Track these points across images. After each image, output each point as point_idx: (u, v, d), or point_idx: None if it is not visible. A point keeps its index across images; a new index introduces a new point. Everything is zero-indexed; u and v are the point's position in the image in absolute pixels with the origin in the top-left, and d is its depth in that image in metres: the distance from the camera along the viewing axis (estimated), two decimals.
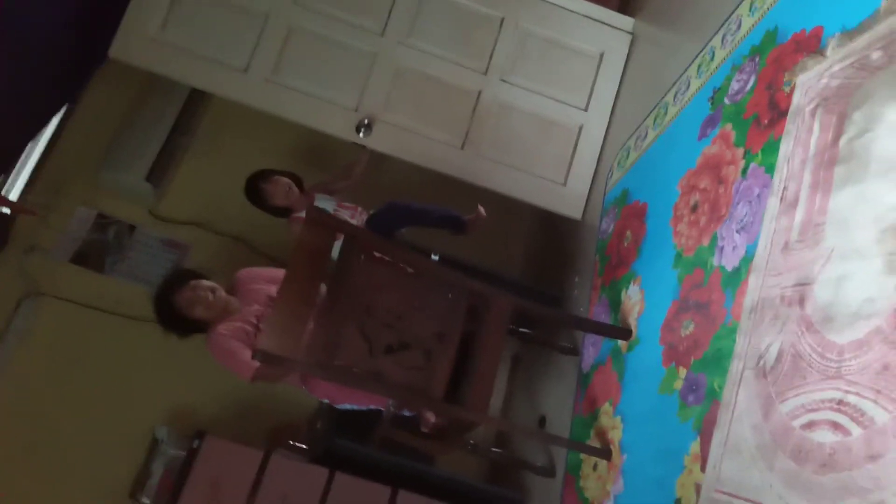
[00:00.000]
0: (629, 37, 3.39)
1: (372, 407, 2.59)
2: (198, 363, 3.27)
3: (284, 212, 3.22)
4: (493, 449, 3.09)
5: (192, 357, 3.29)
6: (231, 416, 3.36)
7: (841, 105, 1.60)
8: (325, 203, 3.15)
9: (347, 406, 2.62)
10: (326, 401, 2.70)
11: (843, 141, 1.55)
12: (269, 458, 2.85)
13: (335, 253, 2.12)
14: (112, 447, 3.30)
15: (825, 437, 1.27)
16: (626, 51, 3.38)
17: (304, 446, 3.14)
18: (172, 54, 3.20)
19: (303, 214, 2.98)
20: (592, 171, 3.29)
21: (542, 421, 2.95)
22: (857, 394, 1.23)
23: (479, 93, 3.34)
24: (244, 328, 2.46)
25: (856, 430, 1.21)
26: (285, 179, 3.18)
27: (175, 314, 2.51)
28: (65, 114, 3.66)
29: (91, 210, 3.67)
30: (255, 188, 3.18)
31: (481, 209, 3.15)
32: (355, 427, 2.79)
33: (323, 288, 2.15)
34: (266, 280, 2.64)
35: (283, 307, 2.00)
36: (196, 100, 3.78)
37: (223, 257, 3.51)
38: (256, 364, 2.25)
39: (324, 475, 2.83)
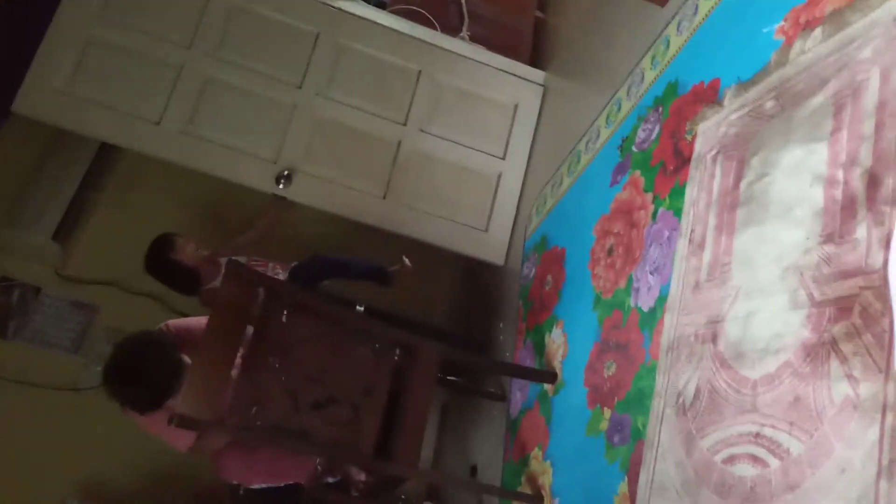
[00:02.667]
0: (541, 88, 3.53)
1: (290, 483, 2.44)
2: (108, 432, 3.10)
3: (190, 286, 2.99)
4: (426, 502, 3.03)
5: (102, 426, 3.12)
6: (145, 488, 3.18)
7: (739, 151, 1.70)
8: None
9: (262, 486, 2.43)
10: (236, 482, 2.49)
11: (743, 185, 1.64)
12: None
13: None
14: None
15: (746, 470, 1.31)
16: (539, 101, 3.51)
17: None
18: (80, 107, 3.10)
19: (216, 283, 2.87)
20: (512, 217, 3.36)
21: (473, 470, 2.93)
22: (773, 426, 1.28)
23: (399, 143, 3.38)
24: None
25: (774, 462, 1.25)
26: (192, 243, 2.97)
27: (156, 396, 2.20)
28: None
29: None
30: (160, 248, 2.93)
31: (406, 260, 3.14)
32: (280, 491, 2.68)
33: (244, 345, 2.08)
34: (194, 336, 2.48)
35: (202, 367, 1.93)
36: (106, 154, 3.66)
37: (135, 317, 3.35)
38: (190, 434, 2.12)
39: None
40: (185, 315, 3.29)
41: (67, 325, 3.51)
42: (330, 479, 2.36)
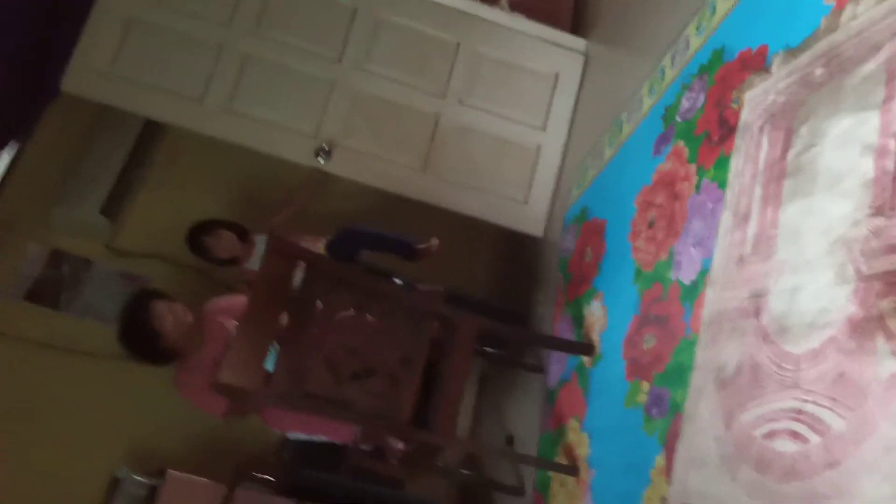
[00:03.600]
0: (582, 57, 3.46)
1: (324, 438, 2.54)
2: (156, 398, 3.21)
3: (227, 262, 3.17)
4: (463, 471, 3.07)
5: (151, 392, 3.24)
6: (193, 451, 3.28)
7: (787, 121, 1.65)
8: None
9: (300, 436, 2.57)
10: (275, 429, 2.66)
11: (790, 156, 1.59)
12: (235, 493, 2.80)
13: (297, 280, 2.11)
14: (71, 489, 3.20)
15: (786, 446, 1.29)
16: (580, 71, 3.45)
17: (270, 478, 3.07)
18: (125, 86, 3.17)
19: (251, 265, 3.01)
20: (552, 189, 3.33)
21: (510, 440, 2.95)
22: (815, 402, 1.26)
23: (438, 116, 3.36)
24: (207, 368, 2.42)
25: (815, 439, 1.23)
26: (228, 233, 3.12)
27: (143, 331, 2.42)
28: (17, 150, 3.58)
29: (44, 247, 3.59)
30: (196, 241, 3.13)
31: (435, 241, 3.17)
32: (322, 456, 2.75)
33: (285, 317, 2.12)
34: (233, 312, 2.60)
35: (244, 338, 1.97)
36: (151, 131, 3.73)
37: (183, 289, 3.43)
38: (225, 402, 2.21)
39: None
40: (231, 288, 3.40)
41: (117, 297, 3.61)
42: (365, 448, 2.42)
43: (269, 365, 1.99)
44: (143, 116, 3.47)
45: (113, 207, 3.57)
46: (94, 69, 3.15)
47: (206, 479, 2.84)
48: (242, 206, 3.68)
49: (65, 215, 3.54)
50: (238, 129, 3.22)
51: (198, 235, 3.12)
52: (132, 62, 3.19)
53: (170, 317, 2.38)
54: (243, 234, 3.15)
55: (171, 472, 2.80)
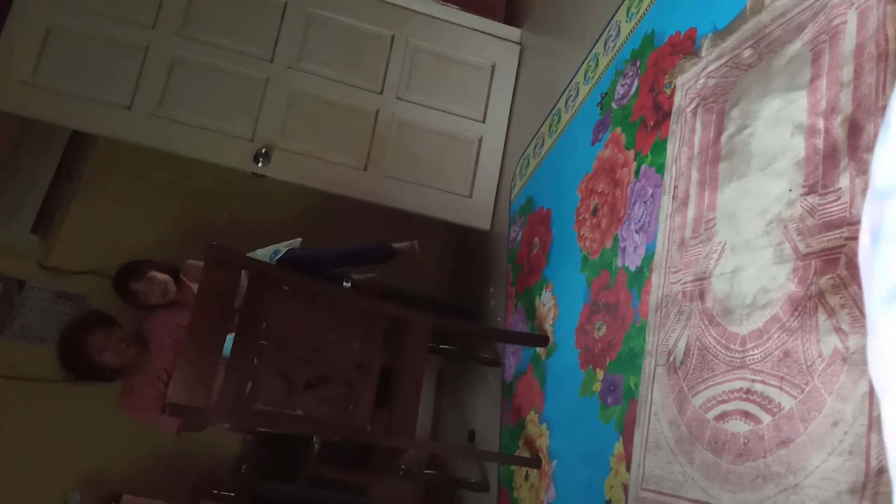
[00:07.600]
0: (518, 47, 3.46)
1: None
2: (104, 420, 3.10)
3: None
4: (426, 471, 3.05)
5: (98, 415, 3.12)
6: (147, 472, 3.17)
7: (719, 103, 1.67)
8: None
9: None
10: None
11: (724, 138, 1.62)
12: None
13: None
14: None
15: (738, 426, 1.31)
16: (517, 60, 3.45)
17: (230, 494, 3.01)
18: (47, 97, 3.02)
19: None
20: (496, 181, 3.33)
21: (471, 434, 2.95)
22: (763, 382, 1.28)
23: (377, 112, 3.32)
24: (156, 384, 2.36)
25: (765, 418, 1.25)
26: (162, 276, 2.74)
27: (82, 359, 2.40)
28: None
29: None
30: (123, 287, 2.76)
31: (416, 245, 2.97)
32: (282, 466, 2.70)
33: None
34: (176, 325, 2.53)
35: (191, 354, 1.91)
36: (79, 142, 3.58)
37: (122, 304, 3.33)
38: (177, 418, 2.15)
39: None
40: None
41: (55, 317, 3.47)
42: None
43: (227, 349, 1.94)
44: (69, 128, 3.33)
45: (44, 224, 3.41)
46: (13, 81, 3.00)
47: (163, 502, 2.76)
48: (180, 217, 3.58)
49: None
50: (170, 136, 3.11)
51: (123, 280, 2.77)
52: (54, 71, 3.04)
53: (108, 352, 2.38)
54: (178, 276, 2.88)
55: (126, 496, 2.71)
